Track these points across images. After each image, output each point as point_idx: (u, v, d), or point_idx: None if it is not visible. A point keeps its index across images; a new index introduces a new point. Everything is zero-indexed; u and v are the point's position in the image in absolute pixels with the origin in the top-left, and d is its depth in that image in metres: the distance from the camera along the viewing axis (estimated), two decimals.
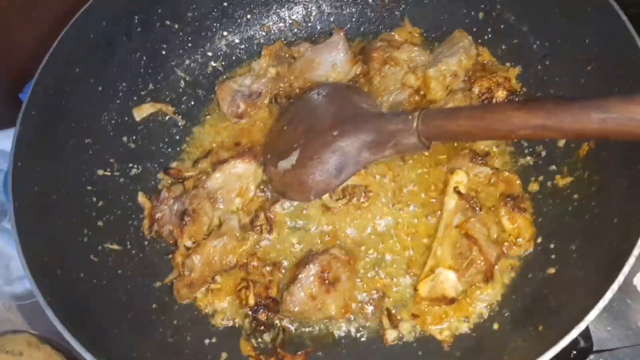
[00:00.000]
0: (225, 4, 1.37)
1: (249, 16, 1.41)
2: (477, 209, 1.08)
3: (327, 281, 1.06)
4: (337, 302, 1.07)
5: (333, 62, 1.30)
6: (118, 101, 1.26)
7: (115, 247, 1.14)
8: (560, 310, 0.91)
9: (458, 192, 1.10)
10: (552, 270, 0.99)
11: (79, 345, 0.82)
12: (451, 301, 1.01)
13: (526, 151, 1.17)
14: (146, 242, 1.19)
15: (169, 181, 1.25)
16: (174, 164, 1.28)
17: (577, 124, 0.83)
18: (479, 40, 1.28)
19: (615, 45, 1.00)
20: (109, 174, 1.21)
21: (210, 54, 1.40)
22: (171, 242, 1.17)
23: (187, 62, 1.37)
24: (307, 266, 1.07)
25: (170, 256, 1.14)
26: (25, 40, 1.67)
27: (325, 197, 1.17)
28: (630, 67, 0.96)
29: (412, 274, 1.11)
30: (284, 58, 1.33)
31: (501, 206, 1.10)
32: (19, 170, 1.00)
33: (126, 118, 1.27)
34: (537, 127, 0.87)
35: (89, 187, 1.16)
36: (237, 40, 1.41)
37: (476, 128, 0.94)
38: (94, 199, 1.15)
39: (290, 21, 1.43)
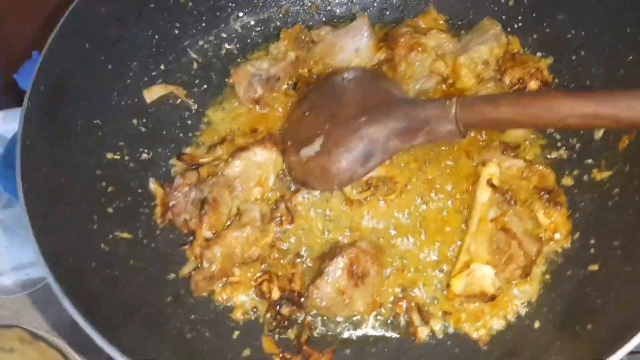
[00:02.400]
0: None
1: None
2: (512, 202, 1.04)
3: (355, 275, 1.00)
4: (365, 297, 1.01)
5: (356, 47, 1.24)
6: (128, 81, 1.18)
7: (126, 235, 1.06)
8: (608, 309, 0.87)
9: (492, 185, 1.06)
10: (594, 267, 0.96)
11: (99, 338, 0.75)
12: (491, 298, 0.96)
13: (559, 144, 1.13)
14: (158, 232, 1.11)
15: (182, 167, 1.18)
16: (187, 150, 1.20)
17: (632, 112, 0.80)
18: (508, 29, 1.23)
19: None
20: (119, 157, 1.13)
21: (224, 35, 1.32)
22: (185, 231, 1.10)
23: (200, 43, 1.30)
24: (334, 259, 1.01)
25: (186, 247, 1.07)
26: (20, 18, 1.59)
27: (348, 189, 1.11)
28: None
29: (441, 268, 1.06)
30: (303, 42, 1.27)
31: (536, 200, 1.06)
32: (26, 151, 0.92)
33: (136, 100, 1.19)
34: (587, 115, 0.83)
35: (98, 171, 1.08)
36: (252, 22, 1.34)
37: (520, 116, 0.90)
38: (104, 184, 1.08)
39: (309, 4, 1.36)
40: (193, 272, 1.04)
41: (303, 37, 1.27)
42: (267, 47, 1.30)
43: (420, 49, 1.20)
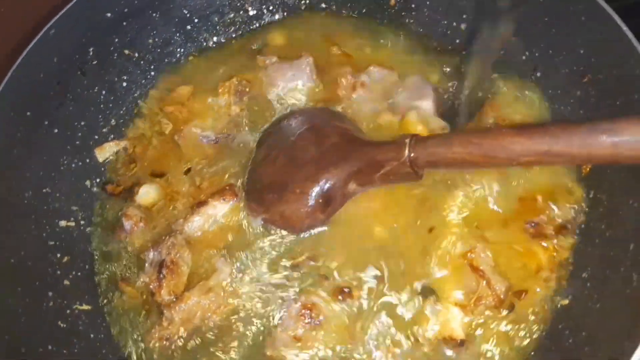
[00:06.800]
0: (189, 27, 1.27)
1: (215, 39, 1.31)
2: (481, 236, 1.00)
3: (312, 319, 0.97)
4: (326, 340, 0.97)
5: (294, 86, 1.21)
6: (77, 142, 1.15)
7: (85, 307, 1.02)
8: (579, 350, 0.84)
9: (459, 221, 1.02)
10: (564, 302, 0.93)
11: None
12: (460, 344, 0.93)
13: None
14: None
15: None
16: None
17: (586, 149, 0.78)
18: (463, 52, 1.21)
19: (614, 56, 0.94)
20: (73, 224, 1.10)
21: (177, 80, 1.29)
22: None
23: (152, 92, 1.26)
24: (289, 307, 0.98)
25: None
26: None
27: None
28: (631, 80, 0.90)
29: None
30: (243, 92, 1.21)
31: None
32: None
33: (87, 160, 1.16)
34: (541, 153, 0.81)
35: (51, 243, 1.04)
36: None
37: (473, 156, 0.87)
38: (58, 255, 1.04)
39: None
40: (152, 330, 1.00)
41: (242, 88, 1.22)
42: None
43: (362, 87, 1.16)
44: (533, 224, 0.99)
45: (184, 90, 1.23)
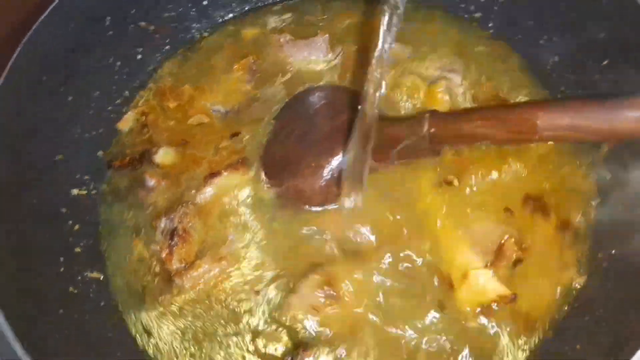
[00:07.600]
0: (205, 2, 1.26)
1: (230, 15, 1.30)
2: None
3: (331, 292, 0.96)
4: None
5: (309, 63, 1.21)
6: (91, 112, 1.14)
7: (96, 275, 1.02)
8: (595, 329, 0.84)
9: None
10: (581, 280, 0.93)
11: None
12: (512, 299, 0.91)
13: None
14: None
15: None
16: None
17: (609, 124, 0.78)
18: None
19: (633, 39, 0.94)
20: (85, 193, 1.09)
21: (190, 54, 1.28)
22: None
23: (166, 64, 1.25)
24: (309, 276, 0.97)
25: None
26: None
27: None
28: None
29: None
30: (256, 71, 1.21)
31: None
32: None
33: (100, 130, 1.15)
34: (563, 128, 0.81)
35: (63, 210, 1.03)
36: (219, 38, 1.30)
37: (495, 130, 0.88)
38: (69, 223, 1.03)
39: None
40: (161, 298, 0.99)
41: (256, 66, 1.21)
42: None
43: None
44: None
45: (187, 89, 1.21)
